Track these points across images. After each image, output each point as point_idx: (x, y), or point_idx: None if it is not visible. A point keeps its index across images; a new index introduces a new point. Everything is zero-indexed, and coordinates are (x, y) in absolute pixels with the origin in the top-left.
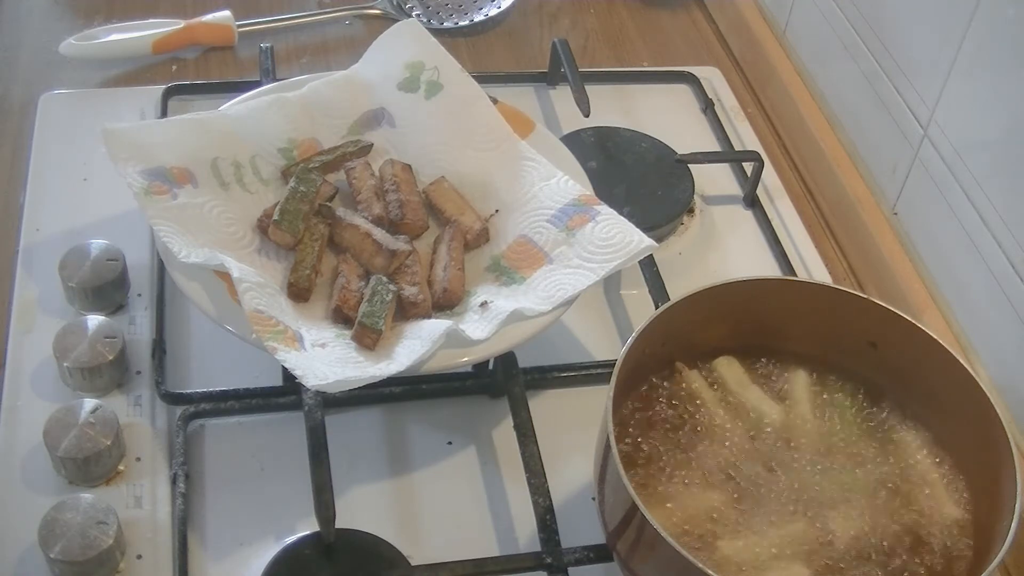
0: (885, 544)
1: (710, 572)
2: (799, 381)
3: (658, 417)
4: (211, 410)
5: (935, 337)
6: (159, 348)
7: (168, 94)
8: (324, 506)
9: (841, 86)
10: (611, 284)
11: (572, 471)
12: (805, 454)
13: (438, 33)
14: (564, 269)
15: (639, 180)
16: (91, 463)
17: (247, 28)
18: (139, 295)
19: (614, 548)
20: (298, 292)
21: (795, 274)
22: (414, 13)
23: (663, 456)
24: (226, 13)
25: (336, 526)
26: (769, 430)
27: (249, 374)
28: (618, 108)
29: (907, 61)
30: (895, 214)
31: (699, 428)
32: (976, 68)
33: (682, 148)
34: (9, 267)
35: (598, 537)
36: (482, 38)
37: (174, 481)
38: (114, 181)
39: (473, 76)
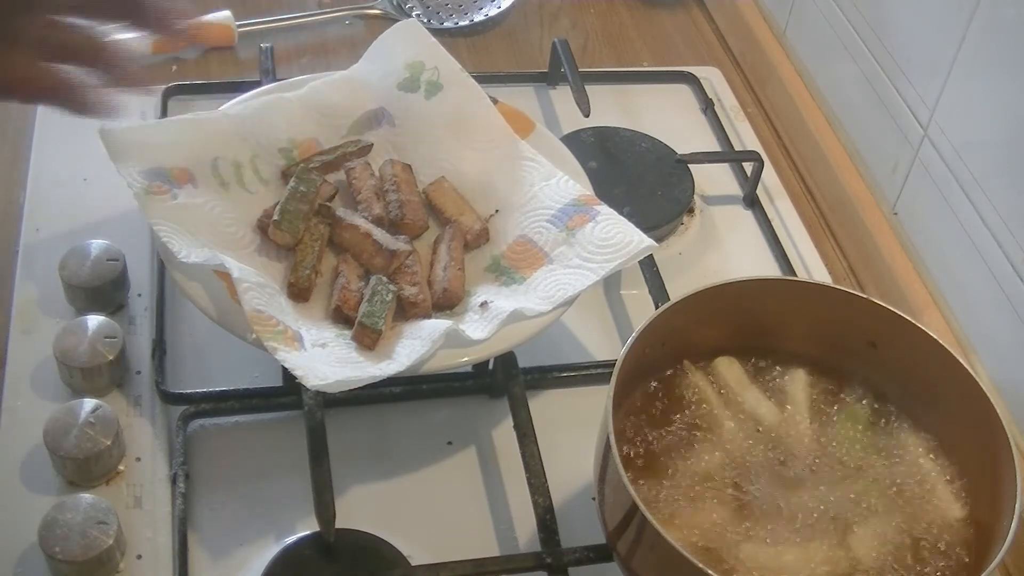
0: (884, 545)
1: (711, 572)
2: (799, 381)
3: (658, 417)
4: (211, 410)
5: (935, 337)
6: (159, 348)
7: (168, 94)
8: (324, 506)
9: (841, 86)
10: (611, 284)
11: (572, 471)
12: (805, 456)
13: (438, 33)
14: (564, 269)
15: (639, 180)
16: (91, 463)
17: (247, 28)
18: (139, 295)
19: (614, 548)
20: (298, 292)
21: (795, 274)
22: (414, 13)
23: (664, 456)
24: (226, 13)
25: (336, 526)
26: (769, 432)
27: (249, 374)
28: (618, 108)
29: (907, 61)
30: (895, 214)
31: (700, 429)
32: (976, 68)
33: (682, 148)
34: (9, 267)
35: (598, 537)
36: (482, 38)
37: (174, 481)
38: (114, 181)
39: (473, 76)
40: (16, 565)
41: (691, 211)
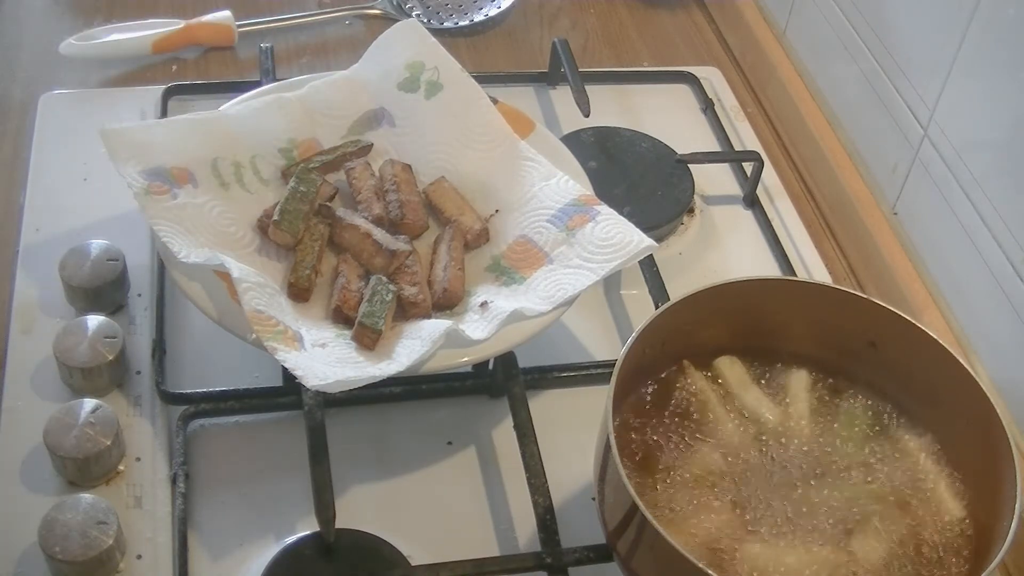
0: (885, 545)
1: (710, 572)
2: (799, 382)
3: (659, 417)
4: (211, 410)
5: (935, 337)
6: (159, 348)
7: (168, 94)
8: (324, 506)
9: (841, 86)
10: (611, 284)
11: (572, 471)
12: (805, 456)
13: (438, 33)
14: (564, 269)
15: (639, 180)
16: (91, 463)
17: (247, 28)
18: (139, 295)
19: (614, 548)
20: (298, 292)
21: (795, 274)
22: (414, 13)
23: (664, 456)
24: (226, 13)
25: (336, 526)
26: (770, 432)
27: (249, 374)
28: (618, 108)
29: (907, 61)
30: (895, 214)
31: (701, 429)
32: (976, 68)
33: (682, 148)
34: (9, 267)
35: (598, 537)
36: (482, 38)
37: (174, 481)
38: (114, 181)
39: (473, 76)
40: (16, 565)
41: (691, 211)
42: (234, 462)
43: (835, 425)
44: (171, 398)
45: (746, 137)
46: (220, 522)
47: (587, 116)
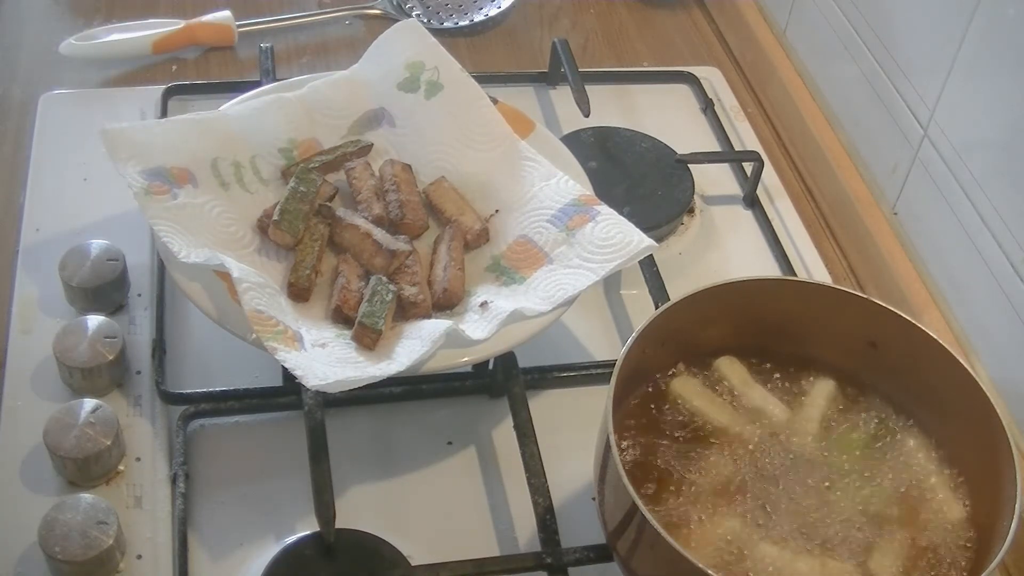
0: (885, 545)
1: (710, 572)
2: (800, 382)
3: (658, 417)
4: (211, 410)
5: (935, 337)
6: (159, 348)
7: (168, 94)
8: (324, 506)
9: (841, 86)
10: (611, 284)
11: (572, 471)
12: (806, 457)
13: (438, 33)
14: (564, 269)
15: (639, 180)
16: (91, 463)
17: (247, 28)
18: (139, 295)
19: (614, 548)
20: (298, 292)
21: (795, 274)
22: (414, 13)
23: (663, 456)
24: (226, 13)
25: (336, 526)
26: (769, 433)
27: (249, 374)
28: (618, 108)
29: (907, 61)
30: (895, 214)
31: (700, 429)
32: (976, 68)
33: (682, 148)
34: (9, 267)
35: (598, 537)
36: (482, 38)
37: (174, 481)
38: (114, 181)
39: (473, 76)
40: (16, 565)
41: (691, 211)
42: (234, 462)
43: (835, 426)
44: (171, 398)
45: (746, 137)
46: (220, 522)
47: (587, 116)
